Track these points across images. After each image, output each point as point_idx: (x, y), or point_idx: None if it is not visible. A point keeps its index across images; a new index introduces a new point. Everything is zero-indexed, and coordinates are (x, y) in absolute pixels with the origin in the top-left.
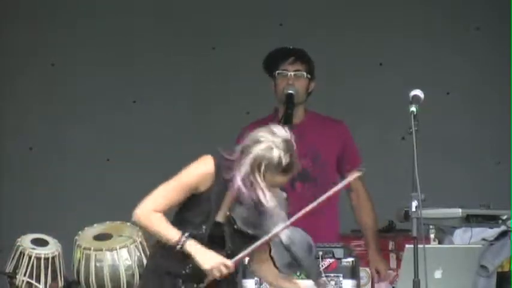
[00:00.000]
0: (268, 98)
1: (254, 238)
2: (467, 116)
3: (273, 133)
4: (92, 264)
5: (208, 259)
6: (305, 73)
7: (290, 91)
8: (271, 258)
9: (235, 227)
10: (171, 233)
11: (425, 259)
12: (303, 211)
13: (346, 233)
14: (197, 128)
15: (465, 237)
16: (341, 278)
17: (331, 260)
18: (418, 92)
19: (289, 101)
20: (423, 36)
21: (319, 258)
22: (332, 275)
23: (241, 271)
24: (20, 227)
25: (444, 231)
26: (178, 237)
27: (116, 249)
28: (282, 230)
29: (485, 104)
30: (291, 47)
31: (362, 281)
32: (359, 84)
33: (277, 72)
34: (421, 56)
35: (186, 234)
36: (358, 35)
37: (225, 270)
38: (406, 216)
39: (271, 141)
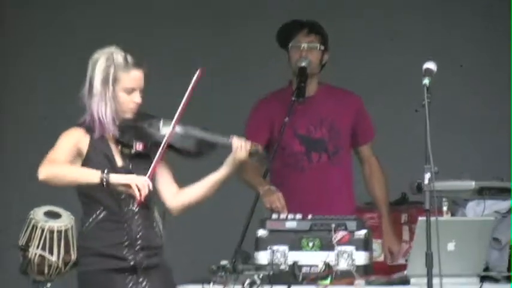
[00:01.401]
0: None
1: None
2: (480, 89)
3: (106, 47)
4: None
5: (124, 176)
6: (318, 45)
7: (303, 64)
8: (180, 152)
9: (132, 152)
10: (90, 173)
11: (438, 232)
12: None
13: (359, 205)
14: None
15: (478, 210)
16: (354, 251)
17: (344, 233)
18: (431, 65)
19: (302, 74)
20: (437, 8)
21: (331, 230)
22: (345, 247)
23: (254, 244)
24: (32, 199)
25: (457, 203)
26: (100, 174)
27: None
28: (173, 126)
29: (498, 77)
30: (304, 20)
31: (375, 253)
32: (372, 57)
33: (290, 44)
34: (434, 28)
35: (105, 170)
36: (370, 8)
37: (144, 181)
38: (419, 188)
39: (106, 52)
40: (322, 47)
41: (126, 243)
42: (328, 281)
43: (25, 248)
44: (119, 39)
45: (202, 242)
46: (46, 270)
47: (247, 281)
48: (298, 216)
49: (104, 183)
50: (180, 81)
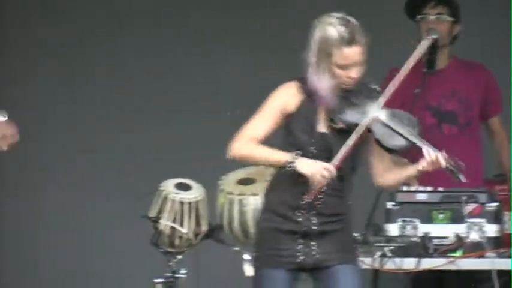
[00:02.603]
0: None
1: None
2: None
3: (328, 16)
4: (236, 208)
5: (309, 165)
6: (447, 16)
7: (432, 36)
8: (377, 142)
9: (337, 126)
10: (278, 155)
11: None
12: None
13: (488, 178)
14: None
15: None
16: (484, 223)
17: (475, 205)
18: None
19: (432, 46)
20: None
21: (462, 202)
22: (476, 220)
23: (385, 215)
24: (165, 171)
25: None
26: (287, 160)
27: (259, 194)
28: (378, 110)
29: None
30: None
31: (505, 226)
32: None
33: (418, 16)
34: None
35: (294, 157)
36: None
37: (326, 173)
38: None
39: (324, 22)
40: (452, 18)
41: (302, 207)
42: (459, 253)
43: (156, 220)
44: None
45: None
46: (177, 242)
47: (378, 253)
48: (429, 188)
49: (290, 167)
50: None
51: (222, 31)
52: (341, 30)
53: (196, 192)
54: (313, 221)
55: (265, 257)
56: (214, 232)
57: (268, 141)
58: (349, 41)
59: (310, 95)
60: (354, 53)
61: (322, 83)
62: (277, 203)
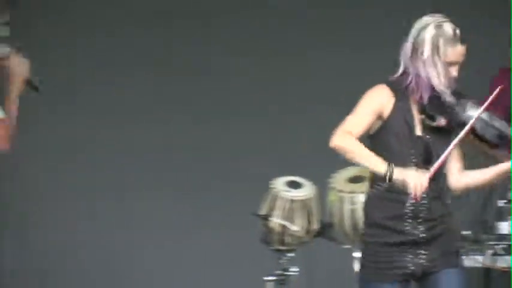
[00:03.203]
0: None
1: (451, 132)
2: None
3: (431, 16)
4: (346, 206)
5: (406, 174)
6: None
7: None
8: (479, 139)
9: (433, 124)
10: (376, 161)
11: None
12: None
13: None
14: None
15: None
16: None
17: None
18: None
19: None
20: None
21: None
22: None
23: (496, 213)
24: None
25: None
26: (384, 169)
27: None
28: (480, 112)
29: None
30: None
31: None
32: None
33: None
34: None
35: (391, 165)
36: None
37: (424, 179)
38: None
39: (434, 20)
40: None
41: (407, 216)
42: None
43: (267, 218)
44: None
45: None
46: (287, 240)
47: (490, 251)
48: None
49: (387, 178)
50: None
51: (320, 29)
52: (454, 28)
53: (307, 190)
54: (420, 229)
55: (376, 269)
56: (325, 230)
57: None
58: (460, 39)
59: (403, 98)
60: (462, 51)
61: (433, 79)
62: (381, 217)
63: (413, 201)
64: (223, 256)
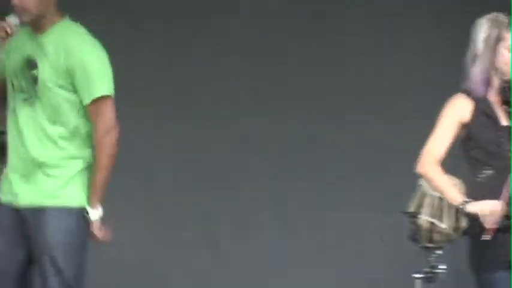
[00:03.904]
0: None
1: None
2: None
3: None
4: None
5: (481, 209)
6: None
7: None
8: None
9: None
10: (452, 195)
11: None
12: None
13: None
14: None
15: None
16: None
17: None
18: None
19: None
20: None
21: None
22: None
23: None
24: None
25: None
26: (459, 201)
27: None
28: None
29: None
30: None
31: None
32: None
33: None
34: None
35: (466, 200)
36: None
37: (495, 214)
38: None
39: (491, 16)
40: None
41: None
42: None
43: (415, 215)
44: None
45: None
46: (435, 237)
47: None
48: None
49: (461, 211)
50: None
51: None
52: (508, 17)
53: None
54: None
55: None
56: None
57: None
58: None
59: (479, 99)
60: None
61: (487, 71)
62: None
63: (488, 236)
64: (373, 252)
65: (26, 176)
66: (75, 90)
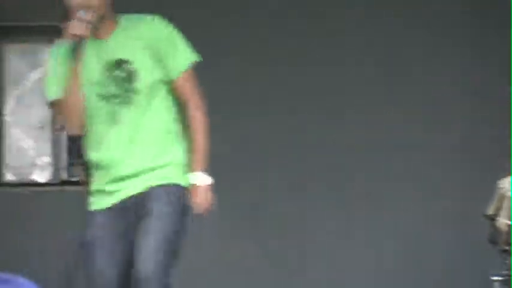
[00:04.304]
0: None
1: None
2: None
3: None
4: None
5: None
6: None
7: None
8: None
9: None
10: None
11: None
12: None
13: None
14: None
15: None
16: None
17: None
18: None
19: None
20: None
21: None
22: None
23: None
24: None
25: None
26: None
27: None
28: None
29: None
30: None
31: None
32: None
33: None
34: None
35: None
36: None
37: None
38: None
39: None
40: None
41: None
42: None
43: (493, 218)
44: None
45: None
46: None
47: None
48: None
49: None
50: None
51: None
52: None
53: None
54: None
55: None
56: None
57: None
58: None
59: None
60: None
61: None
62: None
63: None
64: (451, 254)
65: (136, 175)
66: (165, 67)
